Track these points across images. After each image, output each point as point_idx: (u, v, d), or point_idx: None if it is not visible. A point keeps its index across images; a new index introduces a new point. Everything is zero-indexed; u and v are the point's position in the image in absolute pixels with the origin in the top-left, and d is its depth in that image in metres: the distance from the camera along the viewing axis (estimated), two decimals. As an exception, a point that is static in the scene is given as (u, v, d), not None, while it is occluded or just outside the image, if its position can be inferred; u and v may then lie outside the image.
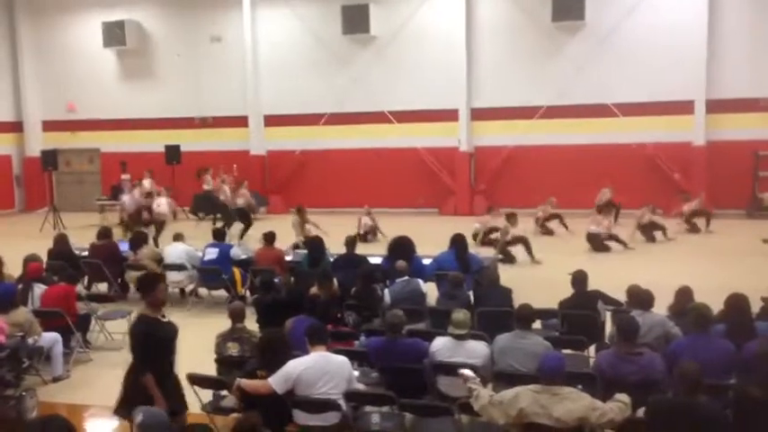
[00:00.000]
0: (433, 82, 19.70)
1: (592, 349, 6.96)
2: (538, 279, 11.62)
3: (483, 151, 19.98)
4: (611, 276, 9.64)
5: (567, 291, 7.73)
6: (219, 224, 14.94)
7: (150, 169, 18.85)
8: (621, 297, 7.59)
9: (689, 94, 18.02)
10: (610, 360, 5.61)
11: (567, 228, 15.85)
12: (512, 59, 19.45)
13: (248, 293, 10.51)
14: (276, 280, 8.80)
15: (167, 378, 5.51)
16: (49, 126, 23.28)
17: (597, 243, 14.11)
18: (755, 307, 6.70)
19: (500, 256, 13.00)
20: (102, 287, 11.21)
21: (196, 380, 5.98)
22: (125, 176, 19.23)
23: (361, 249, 10.87)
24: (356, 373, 5.92)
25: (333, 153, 20.81)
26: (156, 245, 14.30)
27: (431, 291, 8.80)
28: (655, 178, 18.04)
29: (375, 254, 10.65)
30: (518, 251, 13.45)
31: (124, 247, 11.43)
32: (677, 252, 14.05)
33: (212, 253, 10.75)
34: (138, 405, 4.87)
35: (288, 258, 10.86)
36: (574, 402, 4.80)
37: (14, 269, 9.27)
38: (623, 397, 4.96)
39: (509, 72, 19.42)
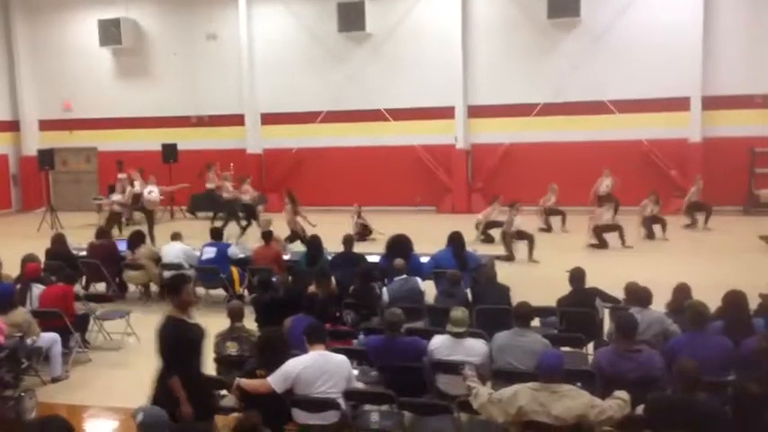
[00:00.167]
0: (429, 79, 19.70)
1: (590, 347, 6.98)
2: (535, 277, 11.64)
3: (480, 149, 19.98)
4: (609, 273, 9.67)
5: (565, 288, 7.74)
6: (218, 223, 14.93)
7: (141, 168, 18.69)
8: (619, 294, 7.62)
9: (685, 91, 18.04)
10: (608, 357, 5.62)
11: (564, 225, 15.97)
12: (508, 56, 19.45)
13: (246, 292, 10.51)
14: (274, 279, 8.81)
15: (194, 381, 5.43)
16: (45, 125, 23.23)
17: (602, 236, 14.09)
18: (753, 304, 6.71)
19: (503, 254, 12.98)
20: (101, 287, 11.20)
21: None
22: (122, 176, 19.19)
23: (359, 248, 10.87)
24: (355, 372, 5.92)
25: (329, 151, 20.80)
26: (152, 239, 14.30)
27: (429, 289, 8.80)
28: (651, 175, 18.05)
29: (373, 252, 10.65)
30: (520, 248, 13.35)
31: (122, 246, 11.42)
32: (675, 249, 14.08)
33: (210, 252, 10.75)
34: (167, 409, 4.84)
35: (285, 257, 10.87)
36: (573, 400, 4.81)
37: (12, 269, 9.26)
38: (622, 394, 4.96)
39: (505, 69, 19.43)
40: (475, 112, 19.89)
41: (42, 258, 10.00)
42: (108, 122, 22.46)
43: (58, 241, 11.18)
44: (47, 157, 19.56)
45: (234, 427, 4.54)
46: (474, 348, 6.11)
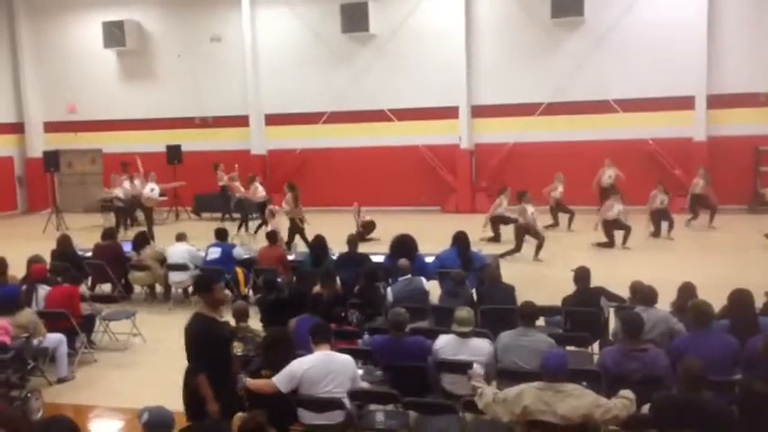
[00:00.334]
0: (432, 79, 19.70)
1: (595, 346, 6.98)
2: (540, 276, 11.64)
3: (484, 148, 19.98)
4: (614, 273, 9.67)
5: (570, 287, 7.73)
6: (231, 224, 14.89)
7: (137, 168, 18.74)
8: (624, 293, 7.61)
9: (689, 90, 18.01)
10: (614, 356, 5.60)
11: (570, 225, 15.99)
12: (511, 56, 19.45)
13: (251, 293, 10.53)
14: (279, 279, 8.82)
15: (222, 380, 5.37)
16: (50, 127, 23.31)
17: (611, 232, 14.05)
18: (759, 302, 6.70)
19: (507, 251, 12.94)
20: (106, 288, 11.23)
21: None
22: (125, 177, 19.19)
23: (363, 248, 10.88)
24: (360, 372, 5.93)
25: (334, 151, 20.81)
26: (151, 237, 14.29)
27: (433, 289, 8.80)
28: (655, 174, 17.97)
29: (377, 252, 10.67)
30: (527, 245, 13.26)
31: (127, 247, 11.45)
32: (680, 248, 14.05)
33: (215, 253, 10.77)
34: (194, 406, 4.82)
35: (290, 258, 10.88)
36: (578, 399, 4.80)
37: (18, 271, 9.28)
38: (628, 393, 4.95)
39: (509, 69, 19.41)
40: (479, 111, 19.88)
41: (48, 259, 10.02)
42: (112, 124, 22.52)
43: (64, 242, 11.19)
44: (52, 159, 19.63)
45: (239, 426, 4.54)
46: (479, 348, 6.10)
